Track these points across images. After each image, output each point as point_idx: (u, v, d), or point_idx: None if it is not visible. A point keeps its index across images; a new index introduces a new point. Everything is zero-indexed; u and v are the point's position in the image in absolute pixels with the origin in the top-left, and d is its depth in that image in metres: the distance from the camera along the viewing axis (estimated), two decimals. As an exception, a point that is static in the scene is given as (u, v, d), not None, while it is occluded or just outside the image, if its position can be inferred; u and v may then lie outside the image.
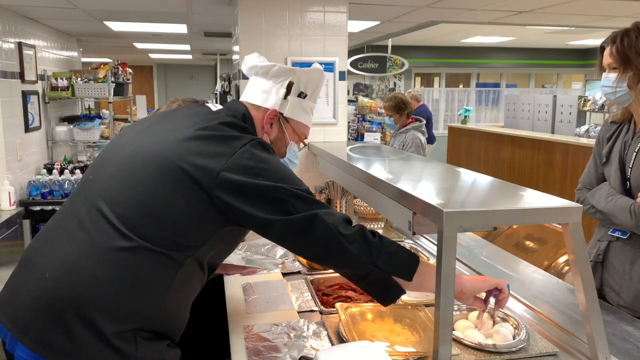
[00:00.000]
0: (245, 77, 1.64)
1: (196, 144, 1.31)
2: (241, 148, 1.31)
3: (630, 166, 1.79)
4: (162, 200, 1.27)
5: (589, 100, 7.13)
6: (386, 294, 1.36)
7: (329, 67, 2.86)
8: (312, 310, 1.78)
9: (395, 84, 9.87)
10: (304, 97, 1.57)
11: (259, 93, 1.54)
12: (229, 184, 1.27)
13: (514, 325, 1.60)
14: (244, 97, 1.58)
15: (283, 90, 1.53)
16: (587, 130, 6.75)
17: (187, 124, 1.39)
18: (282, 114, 1.54)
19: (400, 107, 4.36)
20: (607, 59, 1.78)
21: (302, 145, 1.65)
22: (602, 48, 1.81)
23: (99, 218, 1.27)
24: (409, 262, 1.34)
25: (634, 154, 1.79)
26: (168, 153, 1.31)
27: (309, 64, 2.83)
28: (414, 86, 10.38)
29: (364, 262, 1.30)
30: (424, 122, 4.48)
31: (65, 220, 1.34)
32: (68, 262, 1.25)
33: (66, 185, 3.95)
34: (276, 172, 1.32)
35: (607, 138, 1.91)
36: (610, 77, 1.76)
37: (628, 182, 1.80)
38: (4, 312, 1.29)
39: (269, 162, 1.33)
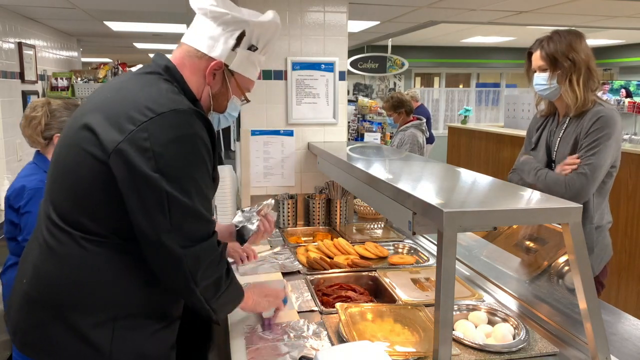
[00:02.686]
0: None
1: (98, 118, 1.23)
2: (140, 125, 1.18)
3: (555, 150, 2.15)
4: (81, 186, 1.25)
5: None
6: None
7: (329, 67, 2.86)
8: (312, 310, 1.78)
9: (395, 84, 9.87)
10: (254, 50, 1.43)
11: (205, 38, 1.37)
12: (123, 157, 1.18)
13: (514, 325, 1.60)
14: (186, 38, 1.40)
15: (232, 42, 1.37)
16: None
17: (97, 101, 1.31)
18: (227, 66, 1.39)
19: (396, 106, 4.48)
20: (537, 62, 2.11)
21: (243, 99, 1.51)
22: (529, 54, 2.17)
23: (46, 219, 1.31)
24: (234, 305, 1.51)
25: (558, 139, 2.14)
26: (71, 140, 1.28)
27: (309, 64, 2.87)
28: (414, 86, 10.38)
29: (202, 304, 1.31)
30: (424, 120, 4.53)
31: (37, 226, 1.38)
32: (35, 266, 1.30)
33: (66, 185, 3.94)
34: (174, 166, 1.20)
35: (536, 128, 2.30)
36: (542, 76, 2.11)
37: (553, 164, 2.16)
38: (8, 316, 1.37)
39: (169, 148, 1.20)
